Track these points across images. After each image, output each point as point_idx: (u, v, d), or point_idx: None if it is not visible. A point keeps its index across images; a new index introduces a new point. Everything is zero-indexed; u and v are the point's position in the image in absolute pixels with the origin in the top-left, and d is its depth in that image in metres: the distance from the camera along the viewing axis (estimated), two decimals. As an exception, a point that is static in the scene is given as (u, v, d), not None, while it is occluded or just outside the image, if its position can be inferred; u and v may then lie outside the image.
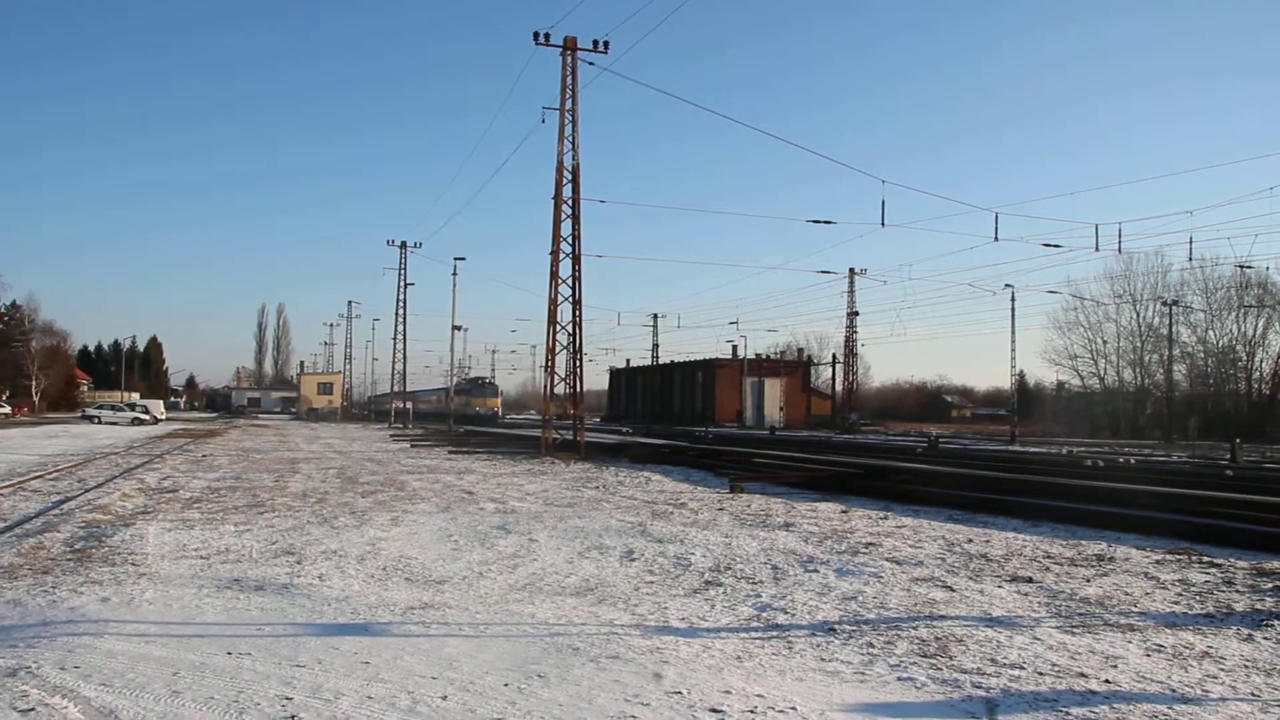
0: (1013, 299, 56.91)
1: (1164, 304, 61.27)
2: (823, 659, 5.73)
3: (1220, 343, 62.85)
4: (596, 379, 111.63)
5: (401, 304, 67.08)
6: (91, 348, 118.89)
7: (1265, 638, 6.40)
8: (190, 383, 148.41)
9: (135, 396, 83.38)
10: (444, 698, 4.79)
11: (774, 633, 6.43)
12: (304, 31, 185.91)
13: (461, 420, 64.58)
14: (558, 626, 6.50)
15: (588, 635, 6.22)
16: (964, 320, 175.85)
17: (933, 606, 7.28)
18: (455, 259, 59.30)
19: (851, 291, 75.89)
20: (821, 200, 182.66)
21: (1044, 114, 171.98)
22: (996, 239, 35.10)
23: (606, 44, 28.58)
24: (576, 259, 29.34)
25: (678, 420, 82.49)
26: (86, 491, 15.39)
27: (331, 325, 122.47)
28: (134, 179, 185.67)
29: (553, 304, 29.49)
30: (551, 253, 29.36)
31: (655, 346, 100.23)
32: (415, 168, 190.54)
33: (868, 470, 18.83)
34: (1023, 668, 5.55)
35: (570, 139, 28.79)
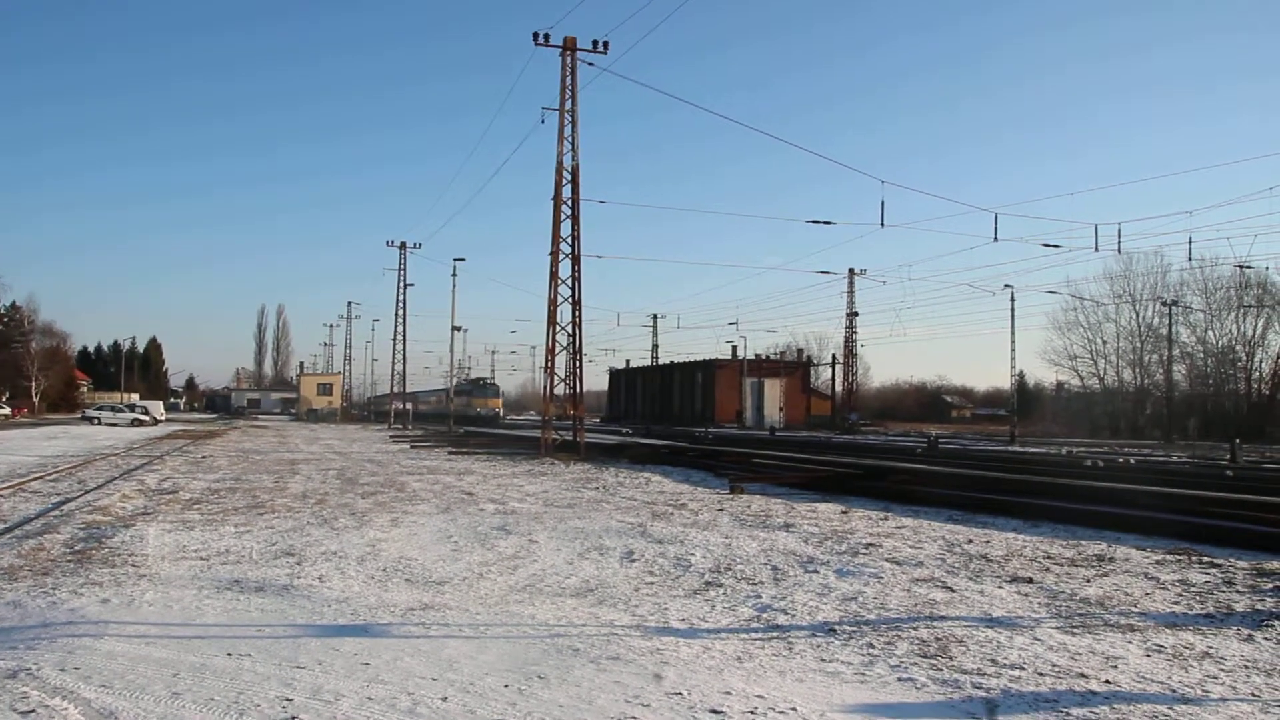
0: (1012, 299, 56.97)
1: (1164, 304, 61.35)
2: (823, 659, 5.73)
3: (1220, 343, 62.95)
4: (596, 380, 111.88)
5: (401, 305, 67.15)
6: (91, 349, 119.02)
7: (1265, 638, 6.40)
8: (190, 384, 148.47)
9: (135, 398, 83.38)
10: (444, 699, 4.79)
11: (774, 633, 6.43)
12: (304, 31, 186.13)
13: (462, 421, 64.60)
14: (558, 627, 6.50)
15: (588, 636, 6.22)
16: (964, 320, 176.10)
17: (933, 607, 7.28)
18: (455, 260, 59.49)
19: (851, 292, 75.97)
20: (821, 201, 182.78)
21: (1044, 114, 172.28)
22: (996, 239, 35.16)
23: (606, 44, 28.62)
24: (576, 259, 29.35)
25: (677, 421, 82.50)
26: (86, 493, 15.38)
27: (331, 326, 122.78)
28: (134, 179, 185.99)
29: (552, 304, 29.50)
30: (551, 253, 29.39)
31: (655, 347, 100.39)
32: (415, 168, 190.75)
33: (867, 471, 18.83)
34: (1023, 668, 5.55)
35: (570, 139, 28.82)
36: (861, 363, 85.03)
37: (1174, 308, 60.81)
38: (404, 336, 67.45)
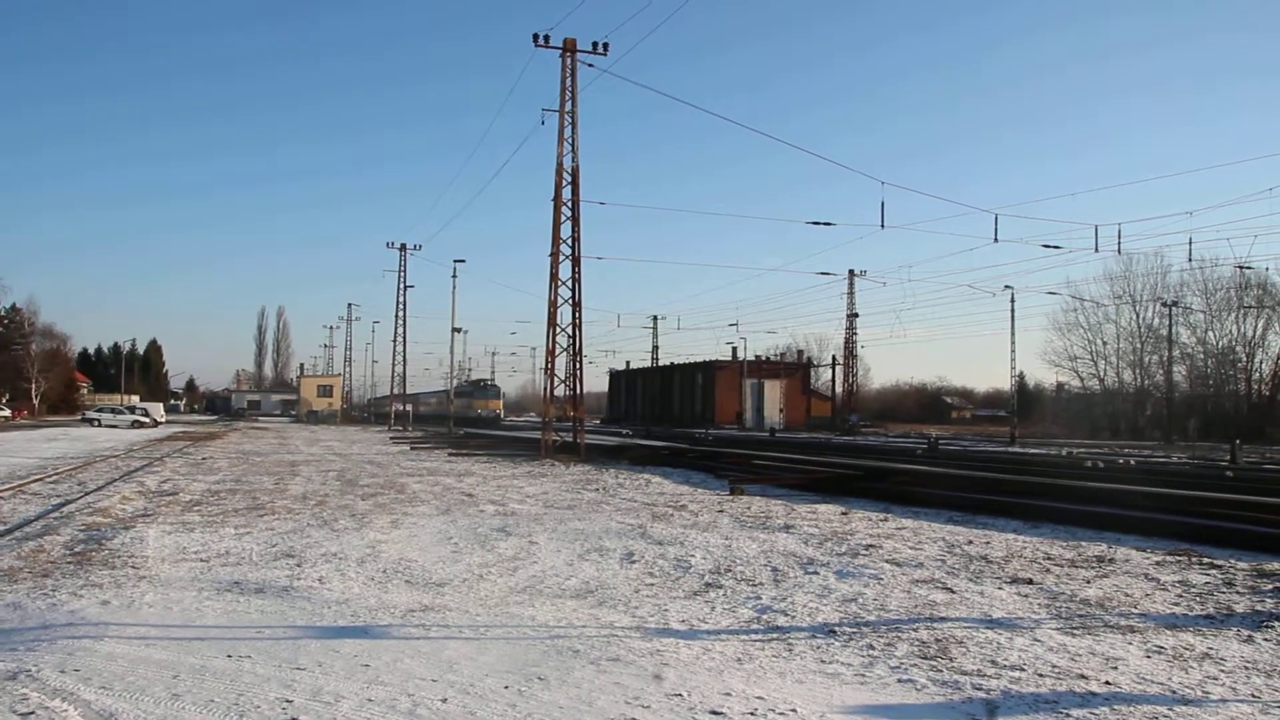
0: (1012, 300, 56.92)
1: (1164, 305, 61.38)
2: (823, 661, 5.73)
3: (1220, 344, 62.95)
4: (596, 381, 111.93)
5: (401, 306, 67.14)
6: (91, 351, 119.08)
7: (1265, 639, 6.40)
8: (190, 385, 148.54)
9: (135, 399, 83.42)
10: (444, 700, 4.79)
11: (774, 635, 6.43)
12: (304, 31, 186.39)
13: (463, 423, 64.57)
14: (558, 629, 6.50)
15: (588, 637, 6.22)
16: (964, 321, 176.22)
17: (933, 608, 7.28)
18: (455, 261, 59.24)
19: (851, 293, 75.98)
20: (821, 202, 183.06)
21: (1044, 114, 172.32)
22: (996, 240, 35.10)
23: (606, 45, 28.63)
24: (576, 261, 29.36)
25: (677, 422, 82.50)
26: (86, 494, 15.38)
27: (331, 328, 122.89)
28: (134, 179, 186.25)
29: (552, 306, 29.50)
30: (551, 254, 29.39)
31: (655, 348, 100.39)
32: (415, 168, 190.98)
33: (868, 472, 18.82)
34: (1023, 669, 5.55)
35: (570, 141, 28.84)
36: (862, 364, 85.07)
37: (1174, 308, 60.88)
38: (404, 338, 67.55)
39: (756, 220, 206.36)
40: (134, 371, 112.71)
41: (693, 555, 9.65)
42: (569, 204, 29.10)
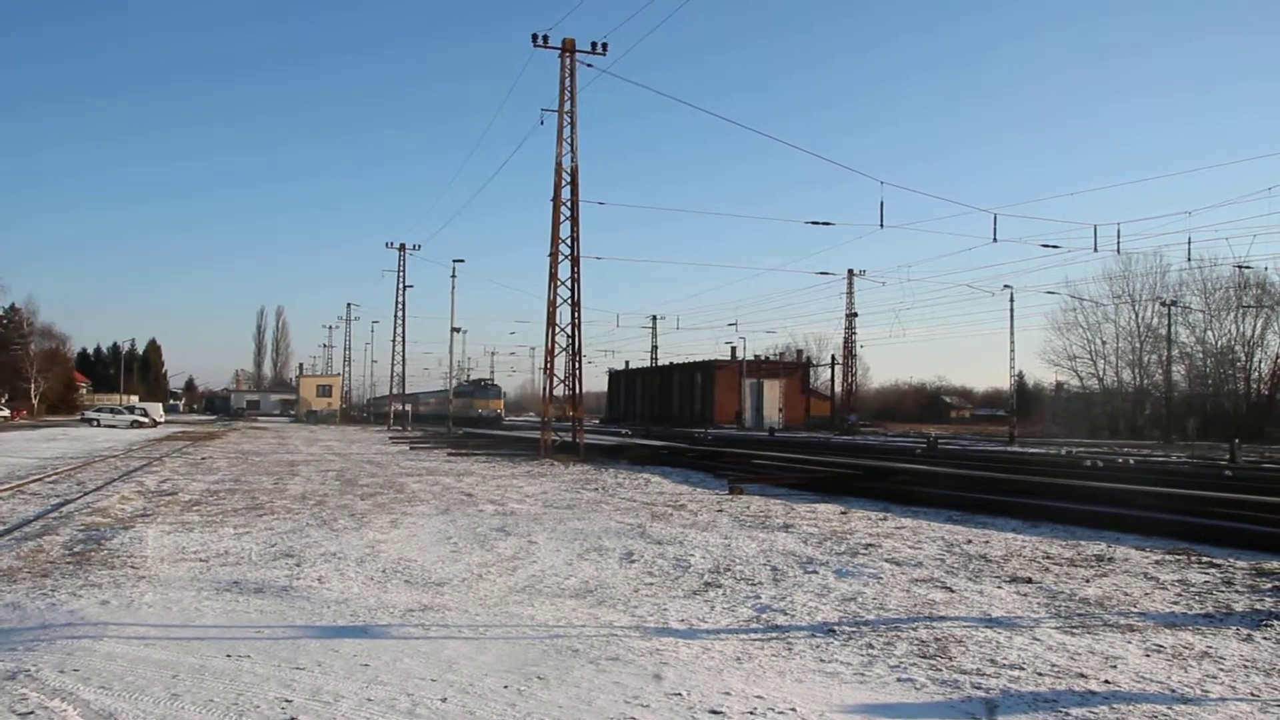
0: (1011, 300, 57.03)
1: (1163, 304, 61.39)
2: (822, 660, 5.73)
3: (1219, 343, 62.99)
4: (596, 381, 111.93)
5: (400, 306, 67.12)
6: (90, 350, 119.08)
7: (1265, 638, 6.41)
8: (189, 385, 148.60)
9: (134, 399, 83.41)
10: (443, 700, 4.79)
11: (773, 634, 6.43)
12: (304, 31, 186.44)
13: (464, 423, 64.56)
14: (557, 628, 6.49)
15: (587, 637, 6.22)
16: (963, 321, 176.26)
17: (932, 607, 7.28)
18: (454, 261, 59.14)
19: (850, 293, 76.05)
20: (820, 201, 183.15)
21: (1044, 114, 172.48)
22: (995, 240, 35.24)
23: (605, 46, 28.64)
24: (575, 261, 29.36)
25: (677, 422, 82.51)
26: (85, 494, 15.38)
27: (330, 327, 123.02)
28: (133, 179, 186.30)
29: (552, 306, 29.50)
30: (550, 254, 29.39)
31: (654, 348, 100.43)
32: (415, 168, 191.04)
33: (867, 471, 18.83)
34: (1022, 668, 5.55)
35: (569, 141, 28.84)
36: (861, 363, 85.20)
37: (1173, 308, 60.88)
38: (403, 338, 67.53)
39: (756, 220, 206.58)
40: (133, 371, 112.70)
41: (692, 555, 9.65)
42: (568, 204, 29.11)
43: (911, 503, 15.27)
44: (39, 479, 18.16)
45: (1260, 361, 61.73)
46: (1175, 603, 7.59)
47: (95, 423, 54.97)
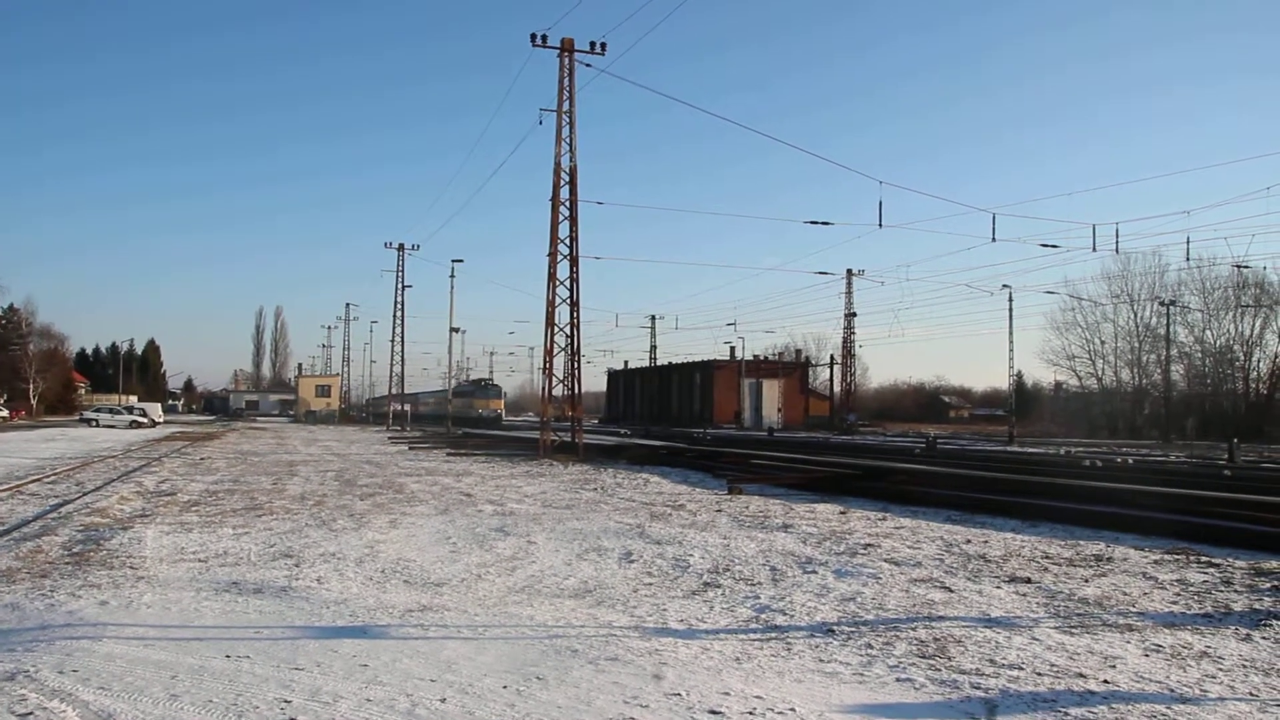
0: (1010, 299, 57.06)
1: (1161, 304, 61.44)
2: (821, 660, 5.74)
3: (1218, 343, 63.07)
4: (595, 381, 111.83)
5: (399, 306, 67.09)
6: (89, 351, 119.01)
7: (1263, 637, 6.41)
8: (188, 386, 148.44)
9: (133, 399, 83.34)
10: (443, 700, 4.79)
11: (773, 634, 6.43)
12: (304, 31, 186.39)
13: (464, 423, 64.55)
14: (556, 628, 6.49)
15: (586, 637, 6.22)
16: (962, 321, 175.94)
17: (931, 607, 7.28)
18: (453, 261, 59.16)
19: (849, 292, 76.11)
20: (819, 201, 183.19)
21: (1043, 113, 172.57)
22: (994, 239, 35.26)
23: (604, 45, 28.66)
24: (574, 261, 29.37)
25: (676, 422, 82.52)
26: (84, 495, 15.37)
27: (329, 328, 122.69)
28: (133, 180, 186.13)
29: (550, 306, 29.50)
30: (549, 254, 29.39)
31: (653, 348, 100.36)
32: (415, 168, 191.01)
33: (866, 471, 18.83)
34: (1021, 668, 5.55)
35: (568, 141, 28.84)
36: (860, 363, 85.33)
37: (1172, 308, 60.92)
38: (402, 338, 67.48)
39: (755, 220, 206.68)
40: (132, 372, 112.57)
41: (691, 555, 9.65)
42: (567, 204, 29.11)
43: (910, 502, 15.28)
44: (38, 479, 18.15)
45: (1259, 361, 61.88)
46: (1174, 602, 7.60)
47: (94, 423, 54.96)
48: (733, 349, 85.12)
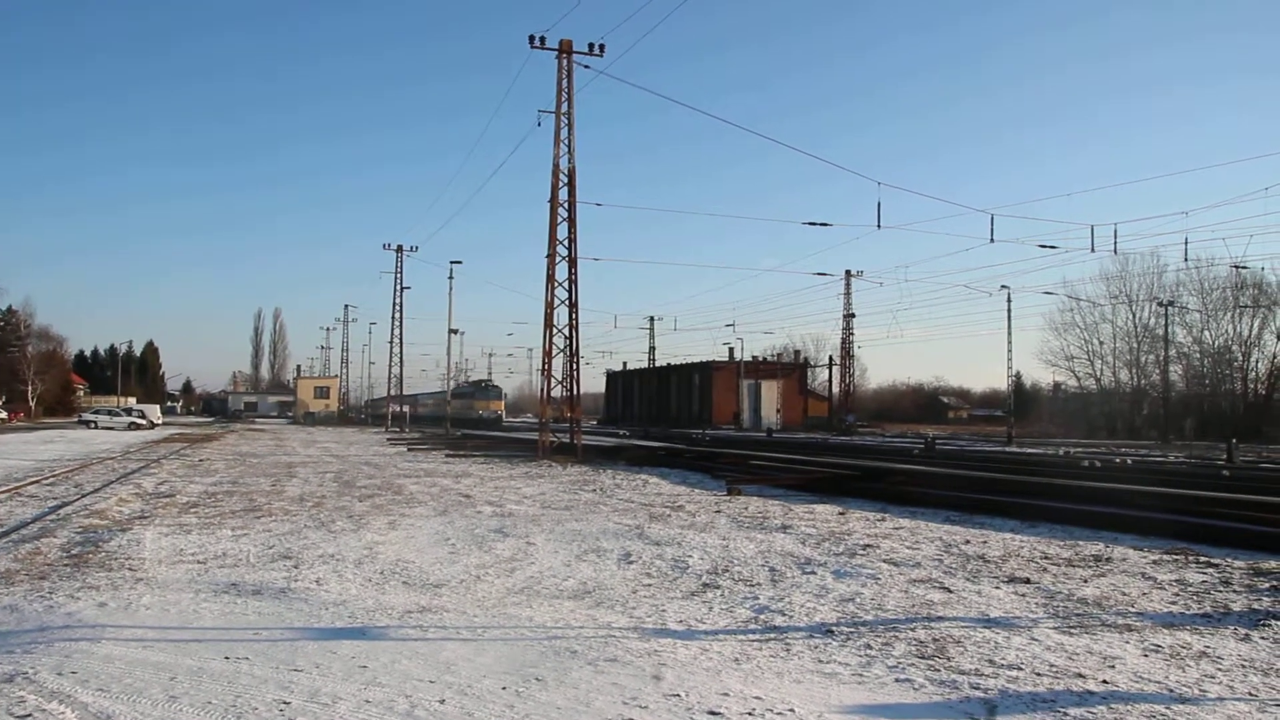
0: (1009, 300, 56.94)
1: (1160, 305, 61.48)
2: (820, 661, 5.74)
3: (1216, 343, 63.12)
4: (593, 382, 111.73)
5: (398, 308, 67.05)
6: (88, 353, 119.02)
7: (1262, 637, 6.41)
8: (187, 387, 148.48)
9: (132, 401, 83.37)
10: (442, 701, 4.78)
11: (772, 635, 6.43)
12: (304, 31, 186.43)
13: (464, 424, 64.50)
14: (555, 629, 6.49)
15: (585, 638, 6.21)
16: (960, 322, 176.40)
17: (930, 608, 7.28)
18: (452, 262, 59.06)
19: (848, 293, 76.15)
20: (818, 202, 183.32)
21: (1042, 113, 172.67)
22: (993, 240, 35.18)
23: (603, 47, 28.65)
24: (573, 262, 29.37)
25: (675, 423, 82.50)
26: (83, 496, 15.36)
27: (328, 329, 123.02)
28: (132, 181, 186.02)
29: (549, 307, 29.48)
30: (548, 256, 29.39)
31: (652, 349, 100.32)
32: (414, 168, 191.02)
33: (865, 472, 18.84)
34: (1020, 668, 5.55)
35: (566, 142, 28.83)
36: (858, 364, 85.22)
37: (1170, 308, 60.95)
38: (401, 339, 67.34)
39: (753, 221, 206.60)
40: (130, 373, 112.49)
41: (690, 556, 9.65)
42: (565, 205, 29.11)
43: (909, 503, 15.28)
44: (36, 481, 18.14)
45: (1257, 361, 61.93)
46: (1173, 602, 7.60)
47: (93, 425, 54.93)
48: (731, 350, 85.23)
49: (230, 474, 20.99)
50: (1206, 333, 63.29)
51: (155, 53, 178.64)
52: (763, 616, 7.00)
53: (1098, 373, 68.98)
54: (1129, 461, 26.09)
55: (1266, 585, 8.26)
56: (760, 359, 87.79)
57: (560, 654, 5.79)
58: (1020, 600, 7.60)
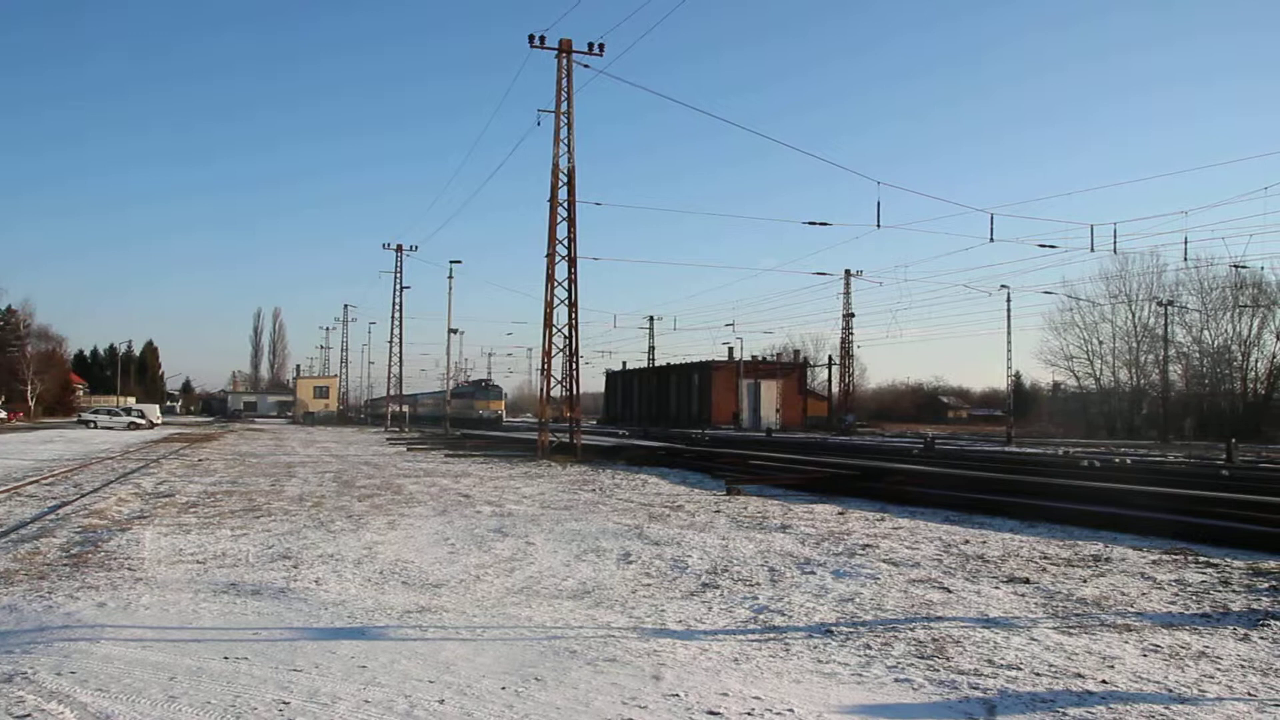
0: (1008, 300, 57.07)
1: (1159, 304, 61.49)
2: (820, 661, 5.74)
3: (1215, 343, 63.15)
4: (593, 382, 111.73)
5: (398, 307, 67.05)
6: (87, 352, 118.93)
7: (1261, 637, 6.42)
8: (186, 387, 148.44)
9: (131, 401, 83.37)
10: (441, 701, 4.78)
11: (771, 634, 6.43)
12: (304, 31, 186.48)
13: (464, 424, 64.47)
14: (555, 629, 6.49)
15: (585, 638, 6.21)
16: (960, 321, 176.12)
17: (930, 608, 7.28)
18: (451, 262, 59.04)
19: (847, 293, 76.20)
20: (817, 202, 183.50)
21: (1042, 113, 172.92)
22: (992, 240, 35.25)
23: (602, 46, 28.65)
24: (572, 262, 29.37)
25: (674, 422, 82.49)
26: (82, 496, 15.35)
27: (328, 329, 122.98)
28: (132, 181, 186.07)
29: (549, 307, 29.48)
30: (547, 255, 29.38)
31: (651, 349, 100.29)
32: (414, 168, 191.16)
33: (864, 472, 18.84)
34: (1020, 669, 5.56)
35: (565, 142, 28.83)
36: (858, 364, 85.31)
37: (1170, 308, 60.97)
38: (400, 339, 67.37)
39: (753, 221, 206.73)
40: (130, 373, 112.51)
41: (689, 555, 9.65)
42: (565, 205, 29.11)
43: (909, 503, 15.28)
44: (35, 481, 18.13)
45: (1257, 361, 61.96)
46: (1172, 602, 7.60)
47: (92, 424, 54.95)
48: (731, 350, 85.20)
49: (229, 474, 20.99)
50: (1206, 332, 63.42)
51: (155, 53, 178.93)
52: (762, 616, 7.01)
53: (1097, 372, 69.09)
54: (1128, 461, 26.09)
55: (1266, 585, 8.26)
56: (760, 359, 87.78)
57: (559, 654, 5.79)
58: (1019, 600, 7.61)
